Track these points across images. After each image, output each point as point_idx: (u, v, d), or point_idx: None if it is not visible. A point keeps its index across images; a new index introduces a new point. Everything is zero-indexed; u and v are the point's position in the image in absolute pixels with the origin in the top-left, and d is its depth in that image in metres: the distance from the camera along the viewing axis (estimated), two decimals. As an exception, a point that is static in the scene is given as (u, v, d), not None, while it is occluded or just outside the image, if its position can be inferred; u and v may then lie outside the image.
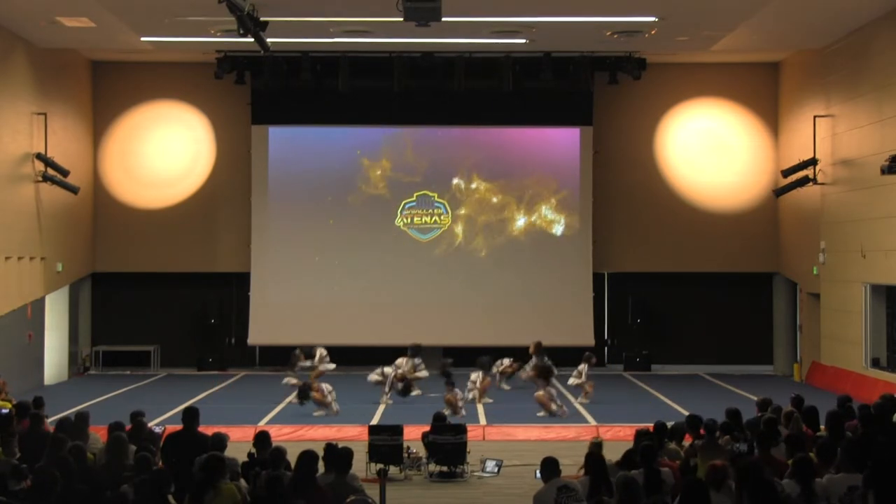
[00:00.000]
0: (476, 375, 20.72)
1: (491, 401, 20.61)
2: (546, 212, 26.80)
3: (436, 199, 26.81)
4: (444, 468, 14.46)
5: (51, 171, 23.25)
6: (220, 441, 11.07)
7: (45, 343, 24.09)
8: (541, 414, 18.78)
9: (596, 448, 10.98)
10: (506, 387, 22.41)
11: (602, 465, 9.83)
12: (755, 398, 14.78)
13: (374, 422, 17.56)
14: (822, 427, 12.17)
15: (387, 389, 20.65)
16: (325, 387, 19.21)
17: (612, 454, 11.11)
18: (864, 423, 11.81)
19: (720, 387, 23.73)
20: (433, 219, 26.80)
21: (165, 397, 20.95)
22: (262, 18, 17.36)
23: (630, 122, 27.25)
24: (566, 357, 22.28)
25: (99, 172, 27.09)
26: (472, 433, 15.59)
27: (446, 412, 17.16)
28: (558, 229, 26.80)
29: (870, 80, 21.57)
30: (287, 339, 22.47)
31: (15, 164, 22.31)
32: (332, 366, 21.51)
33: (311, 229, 26.71)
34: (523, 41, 23.15)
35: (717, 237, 27.05)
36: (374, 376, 20.92)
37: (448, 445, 14.39)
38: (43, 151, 23.27)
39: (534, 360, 20.66)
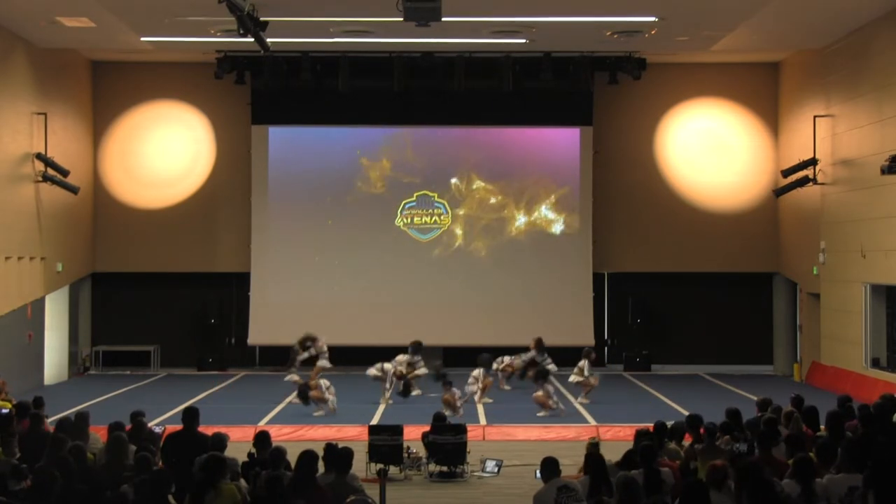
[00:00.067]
0: (477, 372, 20.75)
1: (491, 401, 20.61)
2: (546, 212, 26.81)
3: (436, 199, 26.82)
4: (444, 468, 14.45)
5: (51, 171, 23.25)
6: (220, 441, 11.06)
7: (45, 343, 24.09)
8: (541, 414, 18.79)
9: (593, 448, 10.99)
10: (506, 387, 22.43)
11: (602, 465, 9.83)
12: (755, 398, 14.77)
13: (374, 422, 17.57)
14: (822, 427, 12.16)
15: (387, 385, 20.69)
16: (324, 383, 19.23)
17: (612, 454, 11.10)
18: (864, 423, 11.80)
19: (720, 387, 23.73)
20: (433, 219, 26.81)
21: (165, 397, 20.95)
22: (262, 18, 17.37)
23: (630, 122, 27.25)
24: (566, 357, 22.27)
25: (99, 172, 27.09)
26: (472, 433, 15.59)
27: (447, 413, 17.17)
28: (558, 229, 26.81)
29: (870, 80, 21.57)
30: (287, 339, 22.43)
31: (15, 164, 22.31)
32: (329, 364, 21.53)
33: (310, 229, 26.72)
34: (523, 41, 23.15)
35: (717, 237, 27.05)
36: (373, 370, 20.97)
37: (448, 445, 14.39)
38: (43, 151, 23.27)
39: (533, 352, 21.14)
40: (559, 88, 25.77)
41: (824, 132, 23.74)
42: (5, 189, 21.80)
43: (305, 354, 21.52)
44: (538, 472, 9.83)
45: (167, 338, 27.15)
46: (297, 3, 19.21)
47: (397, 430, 14.51)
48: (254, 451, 11.24)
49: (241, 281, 26.99)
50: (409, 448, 14.62)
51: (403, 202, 26.77)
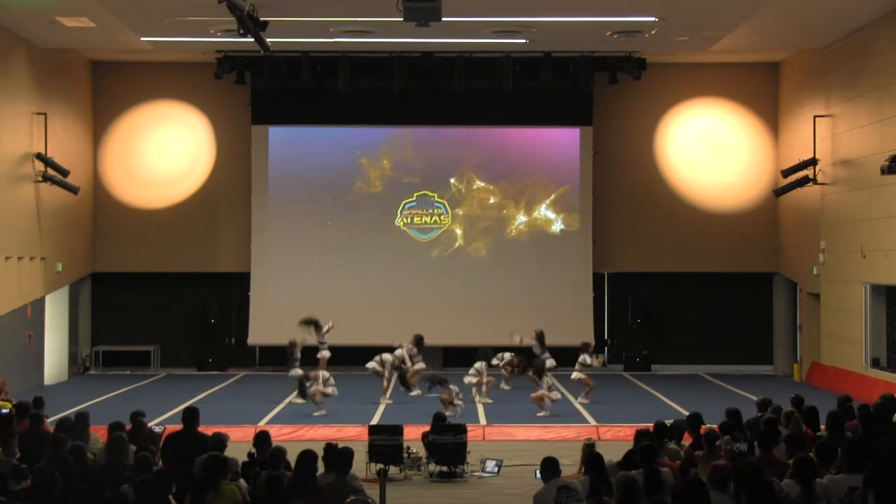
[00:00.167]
0: (479, 365, 20.81)
1: (491, 401, 20.62)
2: (546, 212, 26.81)
3: (436, 199, 26.82)
4: (444, 468, 14.46)
5: (51, 171, 23.25)
6: (220, 441, 11.06)
7: (45, 343, 24.09)
8: (541, 414, 18.81)
9: (589, 450, 10.99)
10: (506, 387, 22.44)
11: (601, 464, 9.83)
12: (755, 398, 14.77)
13: (374, 422, 17.58)
14: (822, 427, 12.16)
15: (386, 374, 20.76)
16: (323, 374, 19.28)
17: (612, 454, 11.11)
18: (864, 423, 11.80)
19: (720, 387, 23.73)
20: (433, 219, 26.81)
21: (165, 397, 20.95)
22: (262, 18, 17.37)
23: (630, 122, 27.25)
24: (566, 357, 22.26)
25: (99, 172, 27.09)
26: (472, 433, 15.60)
27: (447, 413, 17.17)
28: (558, 229, 26.81)
29: (870, 80, 21.57)
30: (287, 339, 22.42)
31: (15, 164, 22.31)
32: (328, 353, 21.58)
33: (310, 229, 26.73)
34: (523, 41, 23.15)
35: (717, 237, 27.05)
36: (372, 364, 21.11)
37: (448, 445, 14.39)
38: (43, 151, 23.27)
39: (534, 343, 21.41)
40: (559, 88, 25.77)
41: (824, 132, 23.74)
42: (5, 189, 21.80)
43: (305, 338, 21.49)
44: (538, 472, 9.83)
45: (167, 338, 27.15)
46: (297, 3, 19.21)
47: (397, 430, 14.51)
48: (254, 451, 11.24)
49: (241, 281, 26.99)
50: (409, 448, 14.63)
51: (403, 202, 26.77)
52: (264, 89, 26.24)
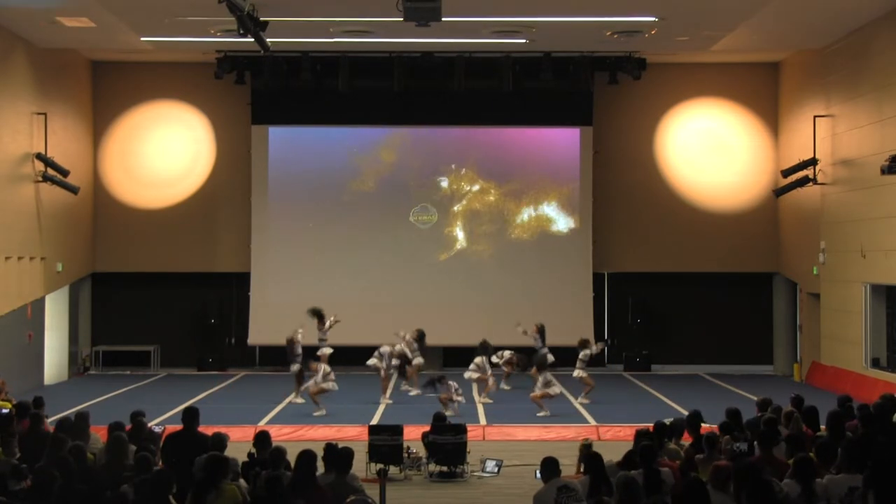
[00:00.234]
0: (480, 360, 20.83)
1: (491, 401, 20.63)
2: (546, 212, 26.81)
3: (436, 199, 26.81)
4: (444, 468, 14.45)
5: (51, 171, 23.25)
6: (220, 441, 11.05)
7: (45, 343, 24.09)
8: (541, 414, 18.81)
9: (586, 450, 10.98)
10: (506, 387, 22.45)
11: (601, 464, 9.83)
12: (755, 398, 14.76)
13: (374, 422, 17.59)
14: (822, 427, 12.16)
15: (384, 366, 20.80)
16: (324, 368, 19.30)
17: (612, 454, 11.11)
18: (864, 423, 11.80)
19: (720, 387, 23.73)
20: (433, 218, 26.79)
21: (165, 397, 20.95)
22: (262, 18, 17.37)
23: (630, 122, 27.25)
24: (566, 357, 22.27)
25: (99, 172, 27.09)
26: (472, 433, 15.59)
27: (447, 412, 17.17)
28: (558, 229, 26.80)
29: (870, 80, 21.57)
30: (286, 338, 22.43)
31: (15, 164, 22.31)
32: (330, 350, 21.61)
33: (311, 229, 26.73)
34: (523, 41, 23.15)
35: (717, 237, 27.05)
36: (372, 360, 21.16)
37: (448, 445, 14.39)
38: (43, 151, 23.27)
39: (535, 336, 21.76)
40: (559, 88, 25.77)
41: (824, 132, 23.74)
42: (5, 189, 21.80)
43: (304, 333, 21.49)
44: (538, 472, 9.83)
45: (167, 338, 27.15)
46: (297, 3, 19.21)
47: (397, 430, 14.51)
48: (254, 451, 11.23)
49: (241, 281, 26.99)
50: (409, 448, 14.63)
51: (404, 202, 26.76)
52: (264, 89, 26.24)
